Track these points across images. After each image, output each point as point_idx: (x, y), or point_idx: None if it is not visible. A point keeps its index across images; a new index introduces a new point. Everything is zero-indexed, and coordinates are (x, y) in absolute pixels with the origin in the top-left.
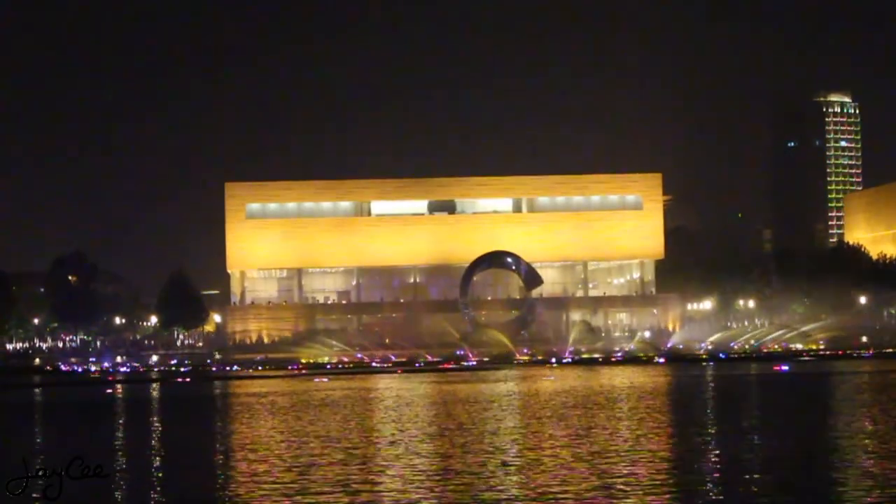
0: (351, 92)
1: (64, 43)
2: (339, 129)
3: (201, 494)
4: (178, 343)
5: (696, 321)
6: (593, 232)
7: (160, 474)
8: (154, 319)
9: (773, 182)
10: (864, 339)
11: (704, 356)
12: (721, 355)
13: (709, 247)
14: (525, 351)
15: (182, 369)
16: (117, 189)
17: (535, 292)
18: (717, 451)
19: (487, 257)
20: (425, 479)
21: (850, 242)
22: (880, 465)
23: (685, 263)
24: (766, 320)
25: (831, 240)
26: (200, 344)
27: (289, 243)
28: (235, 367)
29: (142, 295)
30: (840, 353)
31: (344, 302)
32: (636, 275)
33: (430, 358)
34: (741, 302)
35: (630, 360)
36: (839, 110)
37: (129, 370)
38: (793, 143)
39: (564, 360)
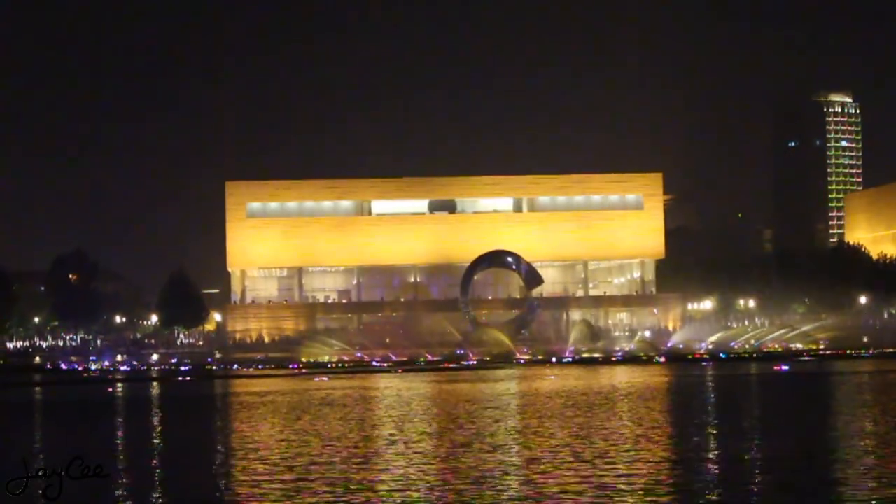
0: (351, 92)
1: (64, 43)
2: (339, 129)
3: (201, 494)
4: (179, 342)
5: (696, 321)
6: (594, 231)
7: (160, 474)
8: (154, 318)
9: (774, 182)
10: (865, 339)
11: (705, 356)
12: (721, 355)
13: (709, 247)
14: (525, 350)
15: (182, 368)
16: (117, 189)
17: (535, 292)
18: (717, 451)
19: (488, 257)
20: (425, 478)
21: (851, 242)
22: (880, 464)
23: (685, 263)
24: (767, 320)
25: (832, 240)
26: (201, 343)
27: (289, 242)
28: (236, 367)
29: (142, 294)
30: (840, 352)
31: (344, 301)
32: (636, 274)
33: (430, 357)
34: (741, 302)
35: (630, 359)
36: (839, 110)
37: (129, 369)
38: (793, 143)
39: (565, 360)
